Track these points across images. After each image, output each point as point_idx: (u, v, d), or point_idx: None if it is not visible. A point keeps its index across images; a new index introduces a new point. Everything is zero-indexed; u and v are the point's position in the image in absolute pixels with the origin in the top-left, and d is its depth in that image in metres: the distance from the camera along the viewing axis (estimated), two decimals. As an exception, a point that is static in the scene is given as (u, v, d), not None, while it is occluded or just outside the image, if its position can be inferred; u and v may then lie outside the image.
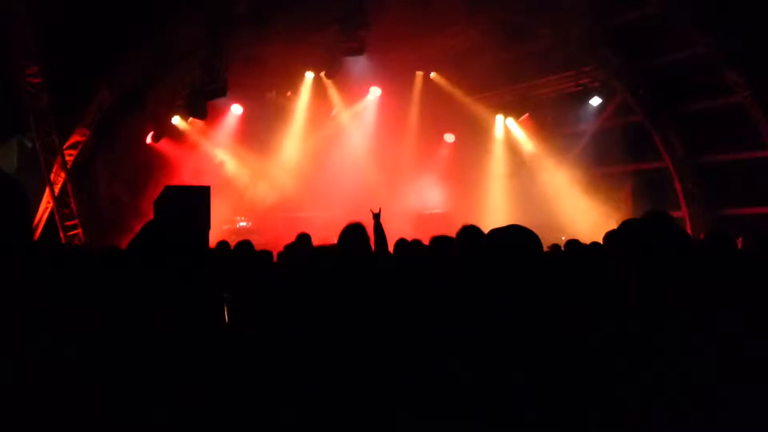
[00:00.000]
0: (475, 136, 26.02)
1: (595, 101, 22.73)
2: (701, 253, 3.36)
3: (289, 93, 23.28)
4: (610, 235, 5.69)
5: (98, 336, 2.70)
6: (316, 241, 9.88)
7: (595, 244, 8.55)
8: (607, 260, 6.02)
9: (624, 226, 5.24)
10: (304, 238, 9.33)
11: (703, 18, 17.38)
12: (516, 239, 3.12)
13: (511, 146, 25.77)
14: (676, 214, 19.85)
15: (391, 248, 8.21)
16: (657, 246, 3.37)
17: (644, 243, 3.43)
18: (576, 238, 9.96)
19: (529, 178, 24.17)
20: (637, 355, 3.08)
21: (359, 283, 5.02)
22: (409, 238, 7.29)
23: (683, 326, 3.08)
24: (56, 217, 17.10)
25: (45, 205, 17.19)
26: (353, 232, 5.52)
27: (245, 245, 7.69)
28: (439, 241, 6.23)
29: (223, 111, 23.16)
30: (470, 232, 5.94)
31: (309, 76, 23.21)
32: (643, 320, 3.21)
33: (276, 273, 6.22)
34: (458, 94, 24.61)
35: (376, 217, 8.16)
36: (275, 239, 15.15)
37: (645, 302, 3.27)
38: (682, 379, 2.95)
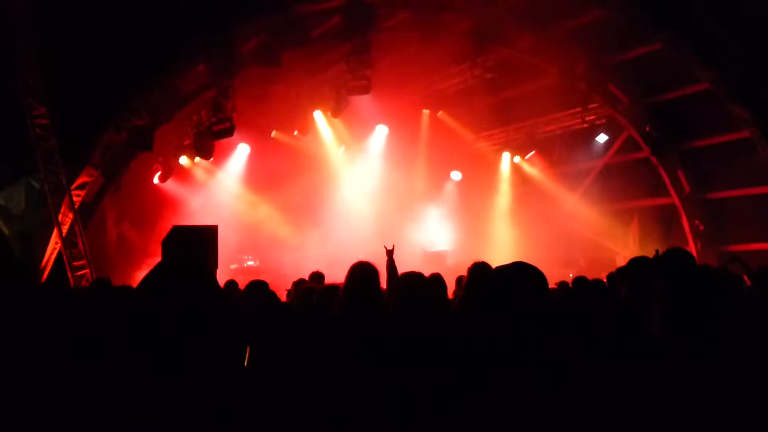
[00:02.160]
0: (482, 173, 26.05)
1: (602, 138, 22.75)
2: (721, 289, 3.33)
3: (296, 132, 23.35)
4: (617, 274, 5.67)
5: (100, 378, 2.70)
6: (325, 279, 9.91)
7: (598, 282, 8.54)
8: (612, 298, 6.00)
9: (634, 264, 5.23)
10: (316, 277, 9.37)
11: (707, 54, 17.44)
12: (521, 276, 3.12)
13: (518, 184, 25.78)
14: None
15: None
16: (684, 282, 3.36)
17: (672, 279, 3.41)
18: (583, 274, 9.94)
19: (536, 216, 24.14)
20: (665, 390, 3.07)
21: (369, 329, 5.01)
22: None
23: (713, 361, 3.06)
24: (64, 257, 17.11)
25: (53, 246, 17.21)
26: (361, 272, 5.48)
27: (258, 285, 7.45)
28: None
29: (230, 150, 23.24)
30: (481, 267, 5.94)
31: (316, 114, 23.29)
32: (669, 356, 3.19)
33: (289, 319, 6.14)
34: (465, 132, 24.69)
35: (390, 253, 8.22)
36: (282, 278, 15.13)
37: (670, 338, 3.25)
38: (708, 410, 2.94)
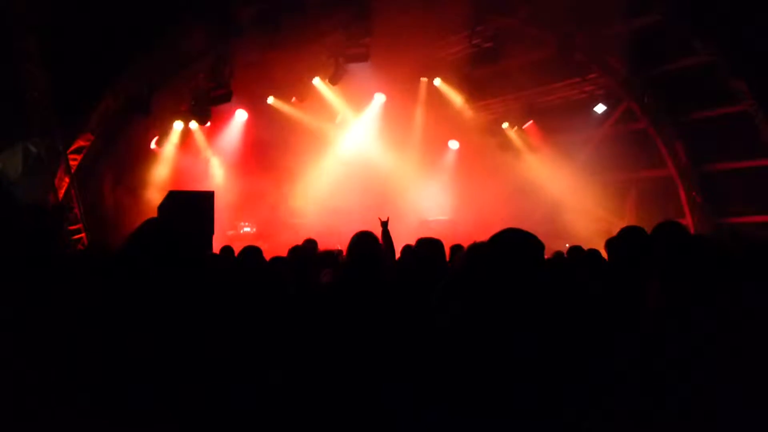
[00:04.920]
0: (480, 143, 26.00)
1: (600, 108, 22.70)
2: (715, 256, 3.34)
3: (293, 98, 23.27)
4: (612, 241, 5.67)
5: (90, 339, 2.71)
6: (320, 247, 9.94)
7: (592, 251, 8.58)
8: (608, 266, 6.01)
9: (627, 232, 5.24)
10: (309, 244, 9.40)
11: (706, 26, 17.38)
12: (516, 241, 3.13)
13: (516, 153, 25.74)
14: (680, 222, 19.80)
15: (397, 254, 8.28)
16: (681, 251, 3.37)
17: (669, 249, 3.42)
18: (579, 244, 9.95)
19: (534, 186, 24.13)
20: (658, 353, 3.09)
21: (370, 295, 5.05)
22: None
23: (708, 325, 3.08)
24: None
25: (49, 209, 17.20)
26: (363, 242, 5.52)
27: (252, 251, 7.41)
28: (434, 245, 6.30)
29: (227, 116, 23.18)
30: (479, 246, 5.98)
31: (314, 81, 23.22)
32: (667, 320, 3.21)
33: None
34: (462, 101, 24.61)
35: (384, 225, 8.36)
36: (279, 245, 15.15)
37: (669, 304, 3.27)
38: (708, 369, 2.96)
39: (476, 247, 5.72)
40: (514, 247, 3.11)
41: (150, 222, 3.27)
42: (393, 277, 5.57)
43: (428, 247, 5.94)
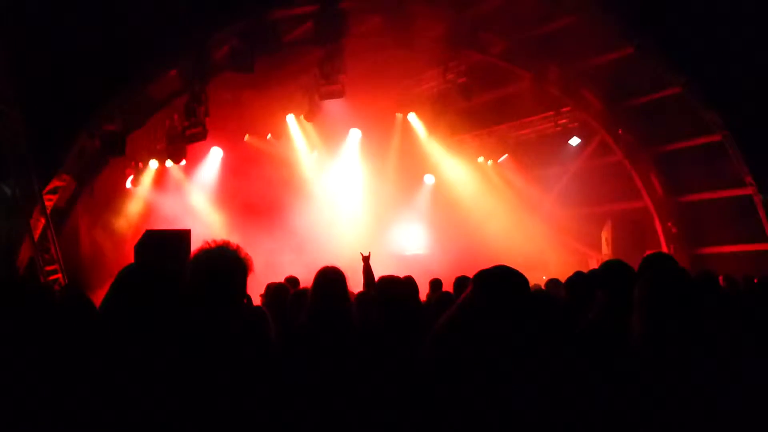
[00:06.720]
0: (456, 177, 26.10)
1: (575, 141, 22.88)
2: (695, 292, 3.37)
3: (269, 136, 23.30)
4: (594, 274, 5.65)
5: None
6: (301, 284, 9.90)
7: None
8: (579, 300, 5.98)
9: (609, 266, 5.23)
10: (291, 282, 9.37)
11: (679, 59, 17.59)
12: (505, 278, 3.14)
13: (491, 187, 25.84)
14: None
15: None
16: (664, 289, 3.38)
17: (653, 286, 3.43)
18: (556, 277, 9.97)
19: (509, 219, 24.20)
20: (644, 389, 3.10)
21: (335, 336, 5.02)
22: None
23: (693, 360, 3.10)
24: (38, 262, 16.97)
25: (25, 251, 17.06)
26: (325, 278, 5.46)
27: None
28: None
29: (203, 154, 23.15)
30: (464, 281, 5.98)
31: (289, 118, 23.25)
32: (651, 357, 3.22)
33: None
34: (437, 136, 24.71)
35: (366, 259, 8.40)
36: (256, 281, 15.08)
37: (652, 341, 3.27)
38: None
39: (463, 283, 5.70)
40: (501, 284, 3.13)
41: (128, 270, 3.28)
42: (359, 315, 5.51)
43: (391, 285, 5.85)
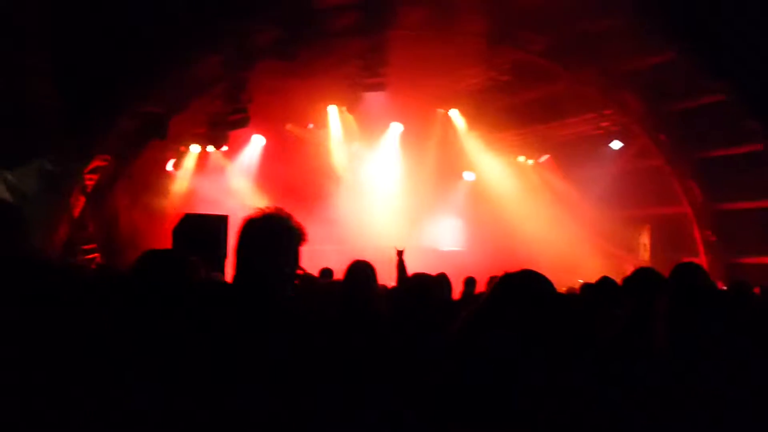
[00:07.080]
0: (495, 175, 26.01)
1: (616, 144, 22.73)
2: (726, 302, 3.35)
3: (311, 125, 23.39)
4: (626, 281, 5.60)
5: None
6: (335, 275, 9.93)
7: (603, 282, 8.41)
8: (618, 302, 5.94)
9: (641, 274, 5.20)
10: (325, 273, 9.40)
11: (721, 66, 17.40)
12: (529, 285, 3.12)
13: (530, 187, 25.74)
14: (693, 260, 19.75)
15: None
16: (687, 301, 3.36)
17: (674, 298, 3.42)
18: (592, 281, 9.91)
19: (547, 220, 24.10)
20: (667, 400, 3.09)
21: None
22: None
23: (714, 374, 3.08)
24: (76, 240, 17.12)
25: (64, 229, 17.22)
26: (357, 272, 5.47)
27: None
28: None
29: (244, 141, 23.26)
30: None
31: (330, 109, 23.33)
32: (672, 367, 3.21)
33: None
34: (478, 132, 24.64)
35: (400, 254, 8.33)
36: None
37: (673, 351, 3.26)
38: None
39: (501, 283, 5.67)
40: (521, 289, 3.10)
41: (148, 255, 3.31)
42: (388, 308, 5.50)
43: (421, 283, 5.81)
